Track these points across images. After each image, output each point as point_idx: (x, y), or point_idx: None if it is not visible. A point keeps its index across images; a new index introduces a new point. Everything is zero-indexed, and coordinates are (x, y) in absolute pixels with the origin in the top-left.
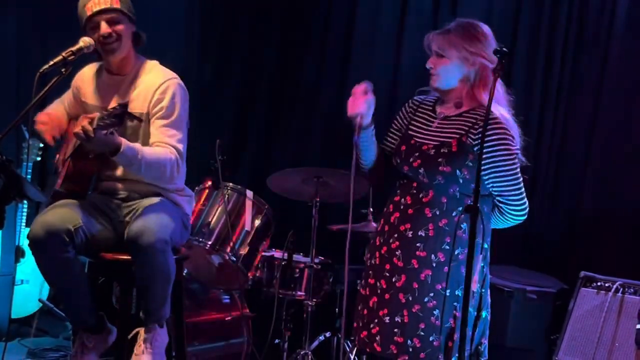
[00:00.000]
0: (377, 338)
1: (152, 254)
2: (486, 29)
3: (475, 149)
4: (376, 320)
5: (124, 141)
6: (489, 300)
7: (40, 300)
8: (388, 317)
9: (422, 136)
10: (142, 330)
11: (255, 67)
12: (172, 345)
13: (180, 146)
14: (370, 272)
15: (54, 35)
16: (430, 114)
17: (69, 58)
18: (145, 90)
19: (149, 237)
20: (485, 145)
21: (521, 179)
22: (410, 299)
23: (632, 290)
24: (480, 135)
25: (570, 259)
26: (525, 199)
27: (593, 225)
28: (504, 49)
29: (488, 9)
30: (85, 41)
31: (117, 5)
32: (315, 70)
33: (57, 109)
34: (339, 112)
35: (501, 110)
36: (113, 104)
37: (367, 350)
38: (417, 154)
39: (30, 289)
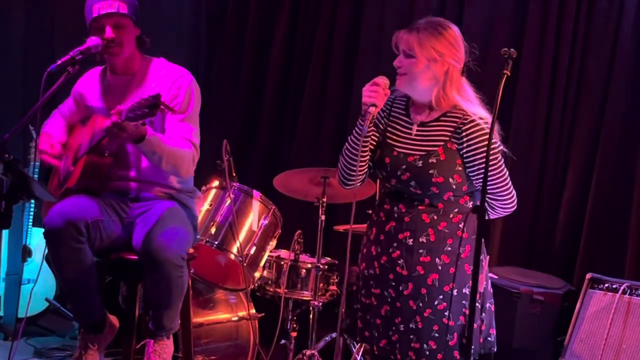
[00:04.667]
0: (398, 345)
1: (169, 271)
2: (455, 29)
3: (462, 152)
4: (394, 328)
5: (149, 129)
6: (491, 290)
7: (47, 300)
8: (403, 325)
9: (404, 146)
10: (151, 342)
11: (262, 67)
12: (179, 345)
13: (196, 140)
14: (371, 282)
15: (60, 35)
16: (405, 119)
17: (77, 57)
18: (157, 87)
19: (167, 253)
20: (469, 149)
21: (507, 173)
22: (421, 304)
23: (639, 291)
24: (464, 139)
25: (577, 260)
26: (513, 190)
27: (600, 226)
28: (512, 50)
29: (495, 10)
30: (93, 40)
31: (125, 11)
32: (321, 70)
33: (55, 123)
34: (345, 112)
35: (476, 110)
36: (124, 103)
37: (391, 357)
38: (404, 166)
39: (36, 288)
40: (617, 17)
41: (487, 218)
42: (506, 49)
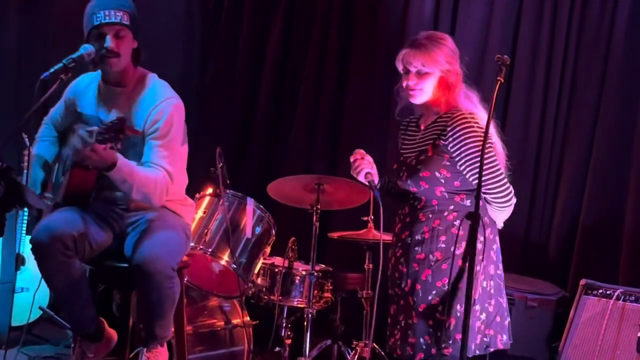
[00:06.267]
0: (399, 343)
1: (159, 282)
2: (450, 38)
3: (449, 147)
4: (398, 327)
5: (120, 157)
6: (491, 291)
7: (40, 308)
8: (404, 322)
9: (408, 150)
10: (144, 350)
11: (256, 73)
12: (174, 353)
13: (172, 168)
14: (389, 282)
15: (53, 43)
16: (415, 130)
17: (70, 65)
18: (142, 108)
19: (157, 265)
20: (454, 141)
21: (497, 167)
22: (416, 299)
23: (633, 297)
24: (449, 133)
25: (571, 266)
26: (507, 186)
27: (594, 232)
28: (505, 57)
29: (488, 16)
30: (86, 48)
31: (127, 22)
32: (315, 76)
33: (44, 139)
34: (339, 119)
35: (470, 108)
36: (112, 114)
37: (399, 352)
38: (404, 168)
39: (30, 296)
40: (609, 24)
41: (489, 216)
42: (499, 55)
